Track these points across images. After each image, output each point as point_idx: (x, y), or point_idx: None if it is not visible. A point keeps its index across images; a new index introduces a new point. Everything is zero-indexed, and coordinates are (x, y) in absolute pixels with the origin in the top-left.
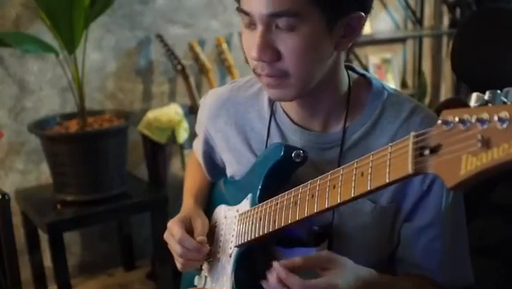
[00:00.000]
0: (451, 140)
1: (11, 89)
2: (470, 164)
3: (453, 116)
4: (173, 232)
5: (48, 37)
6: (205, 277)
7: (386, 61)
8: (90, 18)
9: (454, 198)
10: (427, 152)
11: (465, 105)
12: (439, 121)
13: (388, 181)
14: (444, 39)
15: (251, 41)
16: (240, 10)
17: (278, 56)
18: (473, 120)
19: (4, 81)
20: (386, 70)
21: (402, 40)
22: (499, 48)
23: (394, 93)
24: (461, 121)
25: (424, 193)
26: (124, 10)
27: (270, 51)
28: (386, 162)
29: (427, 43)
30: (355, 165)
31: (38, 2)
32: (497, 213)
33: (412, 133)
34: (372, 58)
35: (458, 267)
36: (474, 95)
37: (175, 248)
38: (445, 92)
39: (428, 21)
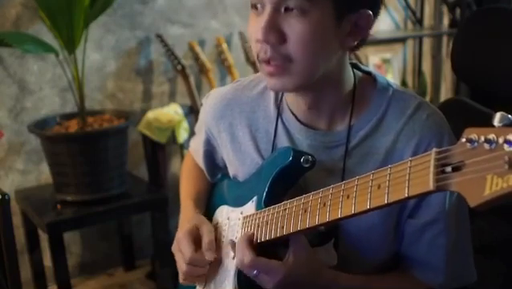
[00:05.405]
0: (475, 159)
1: (11, 89)
2: (495, 185)
3: (478, 135)
4: (182, 249)
5: (48, 37)
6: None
7: (386, 61)
8: (90, 18)
9: (458, 196)
10: (449, 169)
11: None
12: (463, 139)
13: (406, 195)
14: (444, 39)
15: (257, 25)
16: None
17: (283, 39)
18: (501, 140)
19: (4, 81)
20: (386, 70)
21: (402, 40)
22: (499, 48)
23: (399, 90)
24: (487, 141)
25: None
26: (124, 10)
27: (275, 33)
28: (405, 176)
29: (427, 43)
30: (371, 177)
31: (38, 2)
32: (497, 213)
33: (434, 149)
34: (372, 58)
35: (462, 263)
36: (499, 115)
37: (181, 266)
38: (445, 92)
39: (428, 21)
